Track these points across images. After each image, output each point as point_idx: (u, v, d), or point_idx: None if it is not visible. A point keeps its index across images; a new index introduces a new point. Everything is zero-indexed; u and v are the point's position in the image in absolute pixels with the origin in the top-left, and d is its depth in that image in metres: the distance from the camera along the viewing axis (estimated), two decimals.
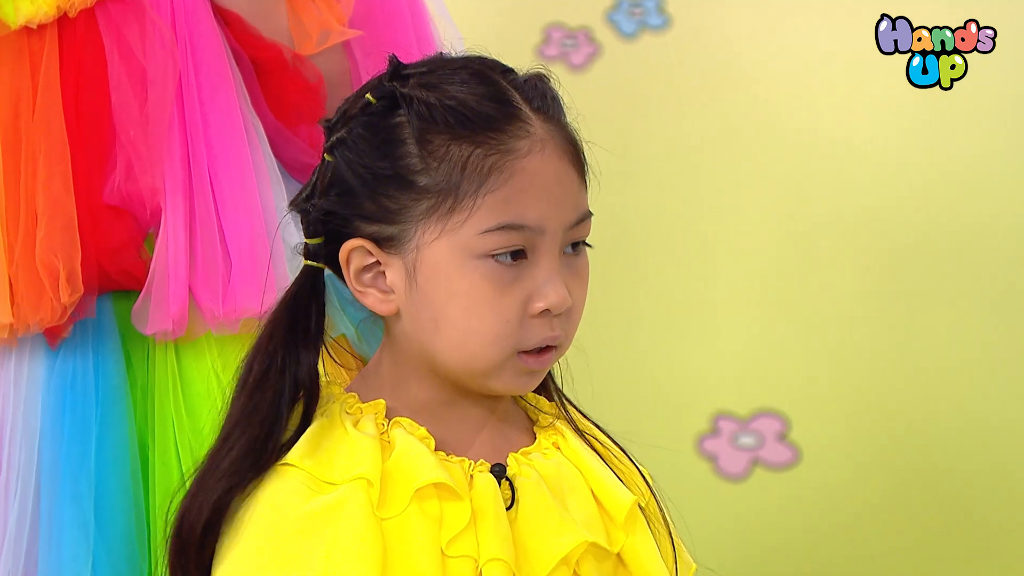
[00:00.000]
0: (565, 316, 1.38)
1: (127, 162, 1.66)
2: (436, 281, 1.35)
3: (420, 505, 1.34)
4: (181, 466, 1.67)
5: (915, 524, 2.96)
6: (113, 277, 1.69)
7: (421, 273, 1.35)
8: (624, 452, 1.50)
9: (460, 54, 1.43)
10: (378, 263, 1.37)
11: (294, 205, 1.42)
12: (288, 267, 1.64)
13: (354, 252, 1.37)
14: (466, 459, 1.39)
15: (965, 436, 2.97)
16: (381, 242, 1.36)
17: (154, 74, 1.66)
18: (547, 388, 1.49)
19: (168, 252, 1.66)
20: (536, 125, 1.37)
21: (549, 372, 1.46)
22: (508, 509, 1.38)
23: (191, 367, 1.70)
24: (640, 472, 1.49)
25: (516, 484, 1.39)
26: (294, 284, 1.41)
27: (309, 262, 1.41)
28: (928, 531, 2.96)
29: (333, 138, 1.39)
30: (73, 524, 1.66)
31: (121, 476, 1.69)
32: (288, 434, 1.37)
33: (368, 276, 1.38)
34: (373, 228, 1.36)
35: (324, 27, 1.69)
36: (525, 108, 1.37)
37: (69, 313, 1.67)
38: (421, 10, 1.80)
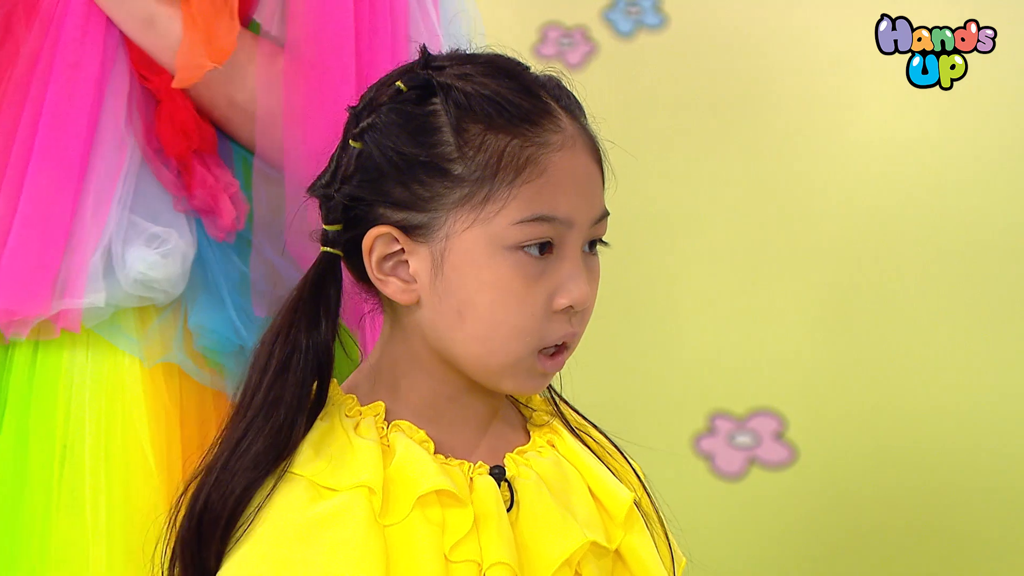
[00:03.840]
0: (580, 315, 1.38)
1: None
2: (465, 271, 1.35)
3: (423, 511, 1.34)
4: None
5: (912, 523, 2.96)
6: None
7: (449, 263, 1.36)
8: (616, 448, 1.50)
9: (480, 49, 1.44)
10: (401, 251, 1.37)
11: (313, 190, 1.42)
12: (97, 283, 1.63)
13: (379, 239, 1.37)
14: (466, 462, 1.39)
15: (962, 435, 2.97)
16: (408, 230, 1.36)
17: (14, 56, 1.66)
18: None
19: None
20: (566, 122, 1.38)
21: None
22: (508, 511, 1.38)
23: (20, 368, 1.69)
24: (632, 468, 1.49)
25: (515, 485, 1.39)
26: (312, 270, 1.41)
27: (327, 248, 1.40)
28: (925, 530, 2.96)
29: (363, 124, 1.39)
30: None
31: None
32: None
33: (389, 264, 1.38)
34: (401, 215, 1.36)
35: (196, 63, 1.67)
36: (555, 105, 1.39)
37: None
38: (384, 22, 1.76)
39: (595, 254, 1.41)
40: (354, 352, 1.55)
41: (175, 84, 1.66)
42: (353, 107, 1.42)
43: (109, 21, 1.70)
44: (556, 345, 1.38)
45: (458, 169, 1.34)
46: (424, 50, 1.40)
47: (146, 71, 1.69)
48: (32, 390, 1.66)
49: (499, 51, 1.43)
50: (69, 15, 1.68)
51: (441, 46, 1.71)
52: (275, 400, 1.36)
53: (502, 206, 1.34)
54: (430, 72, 1.38)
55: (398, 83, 1.39)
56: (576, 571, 1.38)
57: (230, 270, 1.71)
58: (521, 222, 1.34)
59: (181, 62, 1.65)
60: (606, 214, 1.40)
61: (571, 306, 1.36)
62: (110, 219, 1.65)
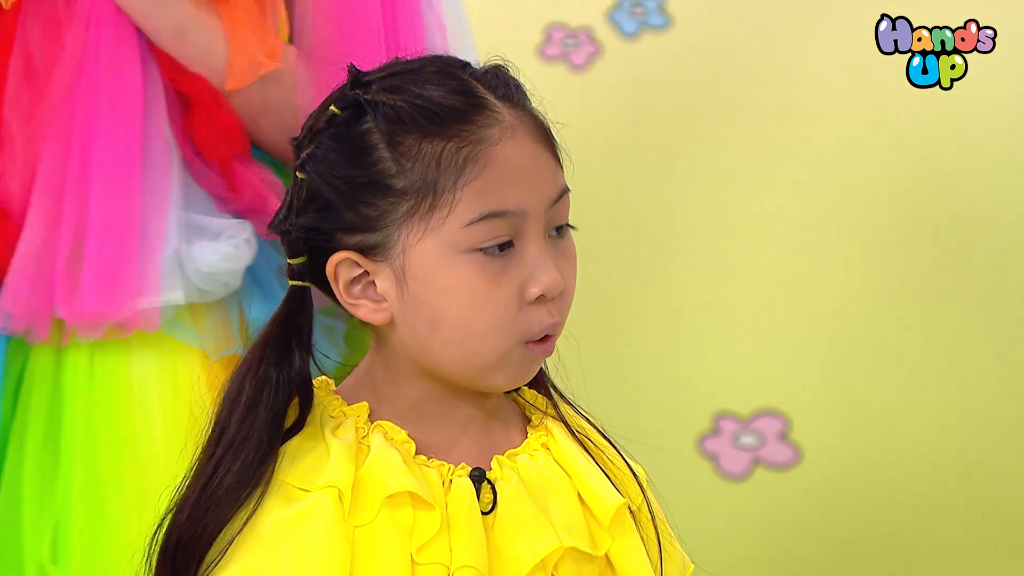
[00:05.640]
0: (559, 299, 1.38)
1: (3, 159, 1.67)
2: (427, 282, 1.35)
3: (392, 513, 1.34)
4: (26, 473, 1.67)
5: (915, 524, 2.96)
6: None
7: (411, 276, 1.35)
8: (618, 451, 1.49)
9: (417, 56, 1.43)
10: (366, 273, 1.37)
11: (272, 227, 1.42)
12: (173, 281, 1.65)
13: (341, 265, 1.37)
14: (446, 464, 1.39)
15: (966, 436, 2.97)
16: (366, 251, 1.36)
17: (51, 72, 1.67)
18: (542, 384, 1.48)
19: (19, 249, 1.66)
20: (503, 112, 1.37)
21: (542, 368, 1.46)
22: (489, 513, 1.38)
23: (70, 370, 1.70)
24: (633, 472, 1.48)
25: (497, 488, 1.39)
26: (283, 305, 1.41)
27: (295, 282, 1.40)
28: (928, 531, 2.96)
29: (303, 155, 1.39)
30: None
31: None
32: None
33: (358, 288, 1.38)
34: (356, 238, 1.36)
35: (252, 63, 1.68)
36: (490, 97, 1.38)
37: None
38: (405, 21, 1.78)
39: (565, 236, 1.40)
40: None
41: (231, 85, 1.67)
42: (295, 138, 1.41)
43: (138, 29, 1.71)
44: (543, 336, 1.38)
45: (400, 183, 1.34)
46: (352, 69, 1.40)
47: (176, 75, 1.71)
48: (94, 392, 1.68)
49: (441, 54, 1.43)
50: (103, 28, 1.70)
51: (449, 49, 1.73)
52: (245, 437, 1.36)
53: (449, 211, 1.33)
54: (358, 92, 1.38)
55: (331, 108, 1.38)
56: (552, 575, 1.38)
57: (275, 267, 1.74)
58: (471, 223, 1.33)
59: (237, 62, 1.66)
60: (564, 191, 1.39)
61: (543, 295, 1.35)
62: (170, 219, 1.68)
